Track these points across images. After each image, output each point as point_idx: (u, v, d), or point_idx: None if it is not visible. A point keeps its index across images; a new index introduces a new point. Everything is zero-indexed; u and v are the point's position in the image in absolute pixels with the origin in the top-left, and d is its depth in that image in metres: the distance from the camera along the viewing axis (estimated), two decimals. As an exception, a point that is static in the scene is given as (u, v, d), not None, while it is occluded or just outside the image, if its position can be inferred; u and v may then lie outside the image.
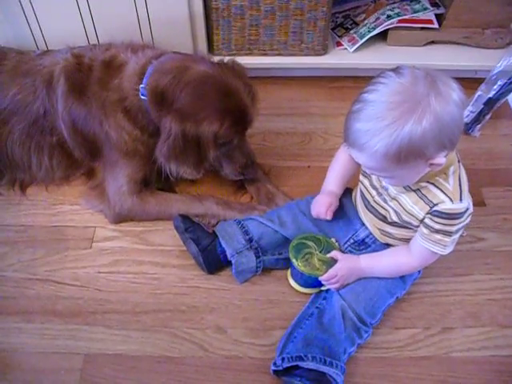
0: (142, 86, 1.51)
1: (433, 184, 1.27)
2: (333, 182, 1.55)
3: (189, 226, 1.57)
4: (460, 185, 1.27)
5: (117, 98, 1.57)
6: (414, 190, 1.30)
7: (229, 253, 1.51)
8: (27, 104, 1.67)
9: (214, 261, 1.55)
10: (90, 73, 1.62)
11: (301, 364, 1.32)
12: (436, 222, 1.27)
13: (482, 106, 1.91)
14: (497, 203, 1.78)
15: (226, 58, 1.61)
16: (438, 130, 1.09)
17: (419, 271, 1.51)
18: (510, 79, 1.87)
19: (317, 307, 1.46)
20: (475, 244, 1.66)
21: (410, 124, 1.07)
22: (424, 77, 1.10)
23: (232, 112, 1.49)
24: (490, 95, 1.88)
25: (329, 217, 1.51)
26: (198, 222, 1.62)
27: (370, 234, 1.51)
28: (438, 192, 1.26)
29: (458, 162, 1.29)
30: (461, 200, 1.25)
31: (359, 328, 1.39)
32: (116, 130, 1.60)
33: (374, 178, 1.41)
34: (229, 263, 1.54)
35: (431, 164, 1.16)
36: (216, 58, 1.60)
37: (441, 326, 1.50)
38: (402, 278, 1.46)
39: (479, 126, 1.95)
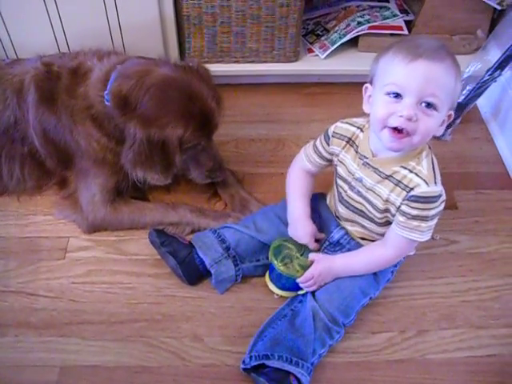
0: (106, 92, 1.50)
1: (407, 169, 1.29)
2: (300, 206, 1.52)
3: (164, 240, 1.54)
4: (433, 169, 1.30)
5: (84, 105, 1.56)
6: (388, 177, 1.32)
7: (207, 263, 1.50)
8: (-3, 113, 1.65)
9: (193, 271, 1.54)
10: (58, 81, 1.60)
11: (267, 363, 1.32)
12: (413, 208, 1.29)
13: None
14: (468, 206, 1.80)
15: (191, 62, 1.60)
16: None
17: (392, 272, 1.52)
18: (478, 84, 1.90)
19: (291, 309, 1.46)
20: (448, 247, 1.68)
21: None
22: None
23: (196, 116, 1.48)
24: (460, 100, 1.91)
25: (316, 247, 1.52)
26: (173, 234, 1.60)
27: (345, 234, 1.52)
28: (413, 176, 1.29)
29: (429, 148, 1.33)
30: (435, 183, 1.29)
31: (330, 328, 1.39)
32: (85, 139, 1.59)
33: (343, 171, 1.42)
34: (209, 273, 1.53)
35: (449, 116, 1.27)
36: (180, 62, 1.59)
37: (416, 328, 1.51)
38: (376, 278, 1.48)
39: (450, 130, 1.97)
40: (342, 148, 1.42)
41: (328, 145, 1.45)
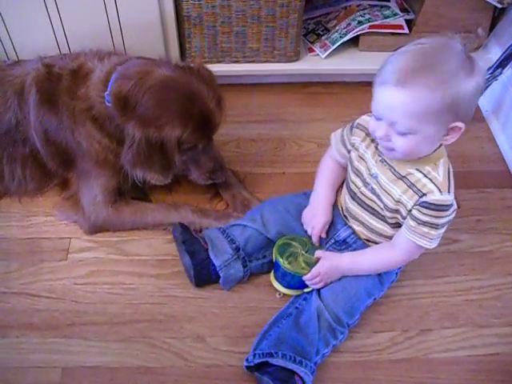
0: (106, 93, 1.50)
1: (422, 173, 1.29)
2: (325, 193, 1.54)
3: (187, 239, 1.54)
4: (449, 177, 1.30)
5: (85, 106, 1.56)
6: (402, 178, 1.31)
7: (217, 265, 1.49)
8: (-2, 115, 1.65)
9: (204, 276, 1.53)
10: (59, 82, 1.60)
11: (270, 361, 1.32)
12: (424, 214, 1.28)
13: (453, 110, 1.94)
14: (470, 205, 1.80)
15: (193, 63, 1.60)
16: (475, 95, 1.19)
17: (396, 273, 1.52)
18: (479, 83, 1.89)
19: (296, 307, 1.46)
20: (451, 246, 1.68)
21: (463, 74, 1.15)
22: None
23: (195, 116, 1.47)
24: (461, 99, 1.91)
25: (324, 235, 1.53)
26: (197, 235, 1.57)
27: (352, 233, 1.51)
28: (427, 181, 1.28)
29: (447, 156, 1.33)
30: (449, 192, 1.28)
31: (334, 329, 1.40)
32: (87, 140, 1.59)
33: (362, 167, 1.41)
34: (217, 278, 1.52)
35: (451, 129, 1.21)
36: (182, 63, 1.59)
37: (419, 328, 1.51)
38: (380, 279, 1.47)
39: (451, 129, 1.97)
40: (361, 140, 1.42)
41: (351, 135, 1.46)
